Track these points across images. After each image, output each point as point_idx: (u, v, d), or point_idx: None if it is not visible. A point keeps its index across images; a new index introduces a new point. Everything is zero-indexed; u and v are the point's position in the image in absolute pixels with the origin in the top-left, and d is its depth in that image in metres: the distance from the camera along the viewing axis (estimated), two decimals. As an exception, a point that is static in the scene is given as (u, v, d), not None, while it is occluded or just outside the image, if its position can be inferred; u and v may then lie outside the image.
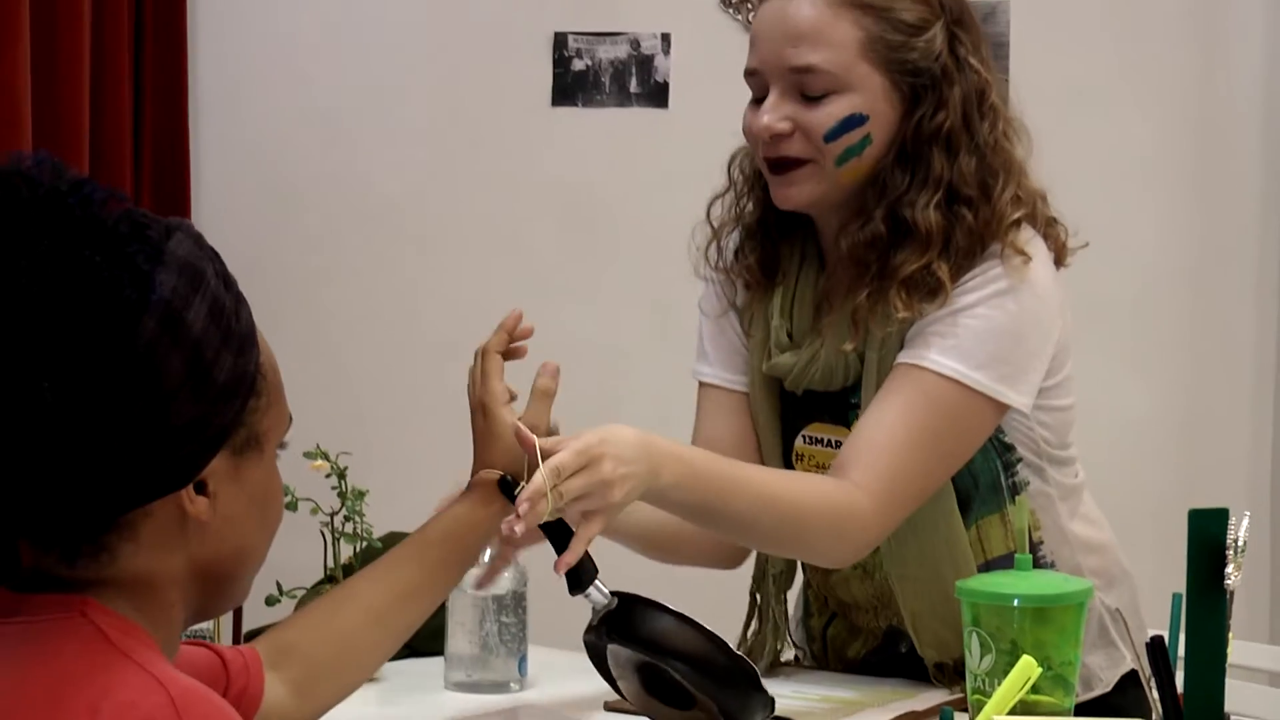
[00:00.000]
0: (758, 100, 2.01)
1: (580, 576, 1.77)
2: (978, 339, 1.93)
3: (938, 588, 1.98)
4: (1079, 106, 3.81)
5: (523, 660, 2.15)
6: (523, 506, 1.68)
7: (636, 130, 3.89)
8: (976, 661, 1.61)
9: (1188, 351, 3.89)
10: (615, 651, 1.80)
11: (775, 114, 1.97)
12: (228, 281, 1.32)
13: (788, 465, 2.09)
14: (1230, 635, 1.57)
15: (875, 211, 1.97)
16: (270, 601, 2.40)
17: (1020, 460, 2.04)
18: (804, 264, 2.09)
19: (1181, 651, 1.60)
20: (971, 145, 1.98)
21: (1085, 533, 2.12)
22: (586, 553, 1.75)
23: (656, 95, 3.88)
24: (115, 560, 1.27)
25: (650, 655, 1.77)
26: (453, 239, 3.94)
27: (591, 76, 3.89)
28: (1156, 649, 1.56)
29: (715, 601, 2.21)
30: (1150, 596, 2.15)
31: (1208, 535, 1.56)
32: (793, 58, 1.95)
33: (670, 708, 1.79)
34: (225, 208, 3.96)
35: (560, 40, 3.88)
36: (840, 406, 2.04)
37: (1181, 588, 1.59)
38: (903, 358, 1.95)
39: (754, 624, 2.18)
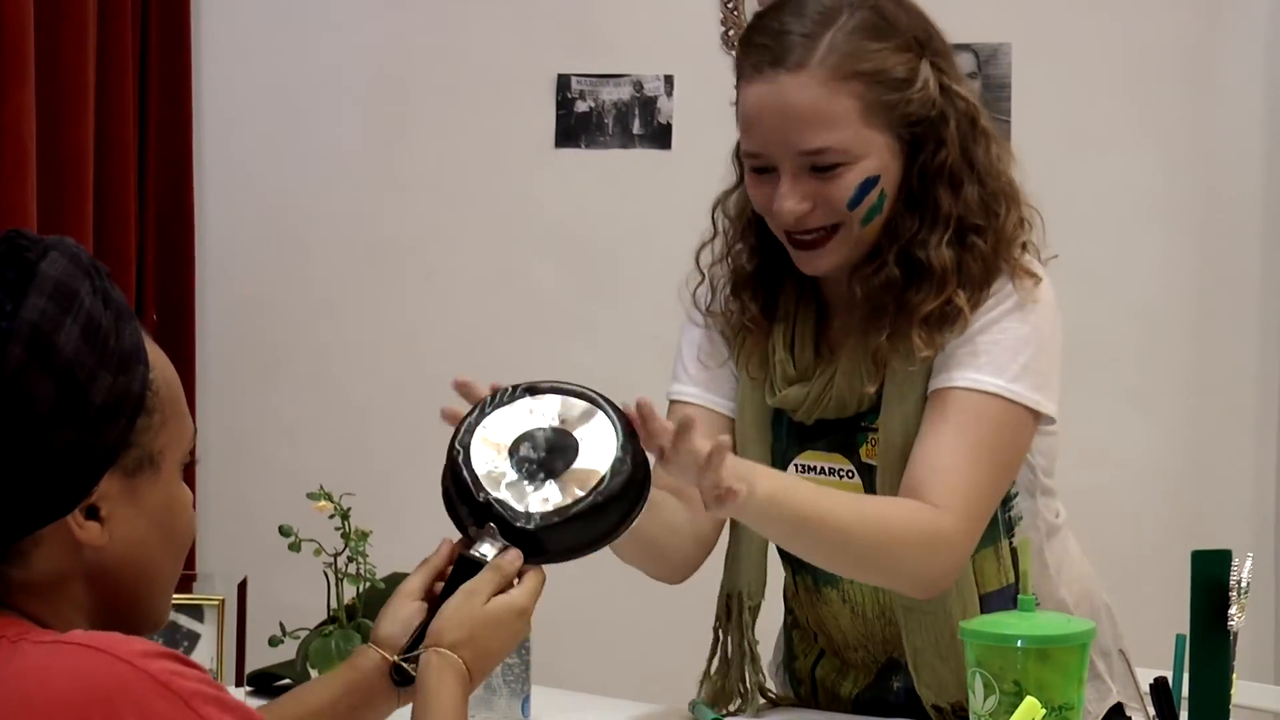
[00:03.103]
0: (759, 171, 1.99)
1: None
2: (1006, 353, 1.96)
3: (944, 622, 1.98)
4: (1080, 147, 3.82)
5: (526, 700, 2.14)
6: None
7: (639, 171, 3.90)
8: (980, 702, 1.61)
9: (1190, 390, 3.89)
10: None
11: (795, 197, 1.95)
12: (108, 298, 1.28)
13: None
14: (1234, 676, 1.57)
15: (888, 255, 1.98)
16: (274, 642, 2.40)
17: (1016, 495, 2.04)
18: (800, 302, 2.09)
19: (1185, 692, 1.60)
20: (973, 175, 1.99)
21: (1063, 564, 2.12)
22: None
23: (659, 137, 3.90)
24: (8, 588, 1.26)
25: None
26: (457, 279, 3.95)
27: (594, 118, 3.90)
28: (1160, 690, 1.56)
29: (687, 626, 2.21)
30: (1153, 637, 2.15)
31: (1211, 576, 1.56)
32: (800, 142, 1.93)
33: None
34: (229, 248, 3.96)
35: (563, 82, 3.89)
36: (850, 431, 2.04)
37: (1185, 627, 1.59)
38: (938, 383, 1.97)
39: (716, 662, 2.16)
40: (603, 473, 1.64)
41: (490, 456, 1.65)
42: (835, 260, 2.00)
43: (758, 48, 1.95)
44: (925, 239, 1.97)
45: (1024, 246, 2.00)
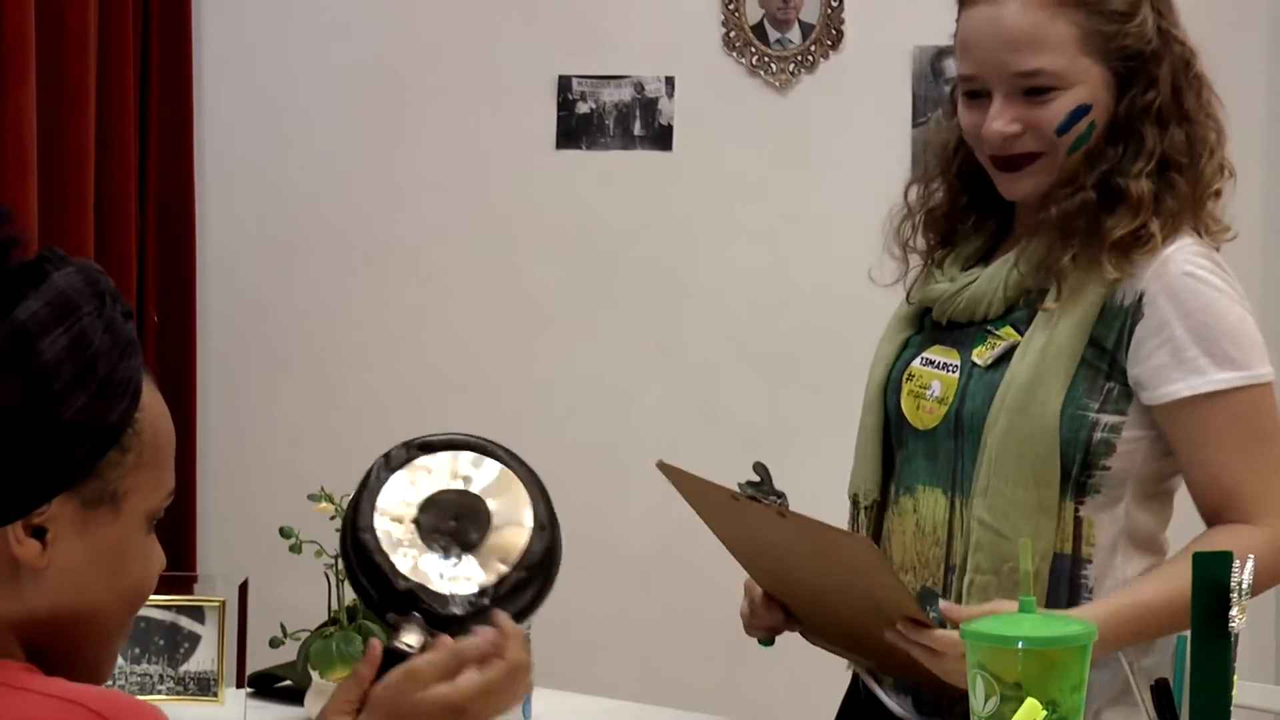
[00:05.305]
0: (972, 97, 2.06)
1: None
2: (1240, 341, 2.00)
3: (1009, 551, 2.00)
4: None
5: (527, 702, 2.14)
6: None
7: (640, 172, 3.90)
8: (981, 704, 1.60)
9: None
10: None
11: (1004, 118, 2.02)
12: (112, 326, 1.25)
13: (897, 386, 2.13)
14: (1235, 677, 1.57)
15: (1086, 180, 2.03)
16: (274, 643, 2.40)
17: (1109, 468, 2.01)
18: (977, 233, 2.16)
19: (1187, 693, 1.60)
20: (1180, 117, 2.04)
21: (1107, 574, 2.08)
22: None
23: (660, 138, 3.90)
24: None
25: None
26: (458, 280, 3.95)
27: (595, 119, 3.90)
28: (1161, 691, 1.56)
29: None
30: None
31: (1211, 578, 1.56)
32: (1016, 63, 2.00)
33: None
34: (230, 249, 3.97)
35: (564, 83, 3.90)
36: (974, 332, 2.09)
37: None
38: (1182, 389, 1.98)
39: None
40: (523, 543, 1.51)
41: (396, 532, 1.51)
42: (1036, 184, 2.05)
43: None
44: (1126, 169, 2.02)
45: (1218, 194, 2.06)
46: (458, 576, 1.49)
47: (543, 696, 2.17)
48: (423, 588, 1.48)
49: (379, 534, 1.50)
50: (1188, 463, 2.01)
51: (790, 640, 2.16)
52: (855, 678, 2.20)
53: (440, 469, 1.55)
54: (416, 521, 1.52)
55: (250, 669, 2.54)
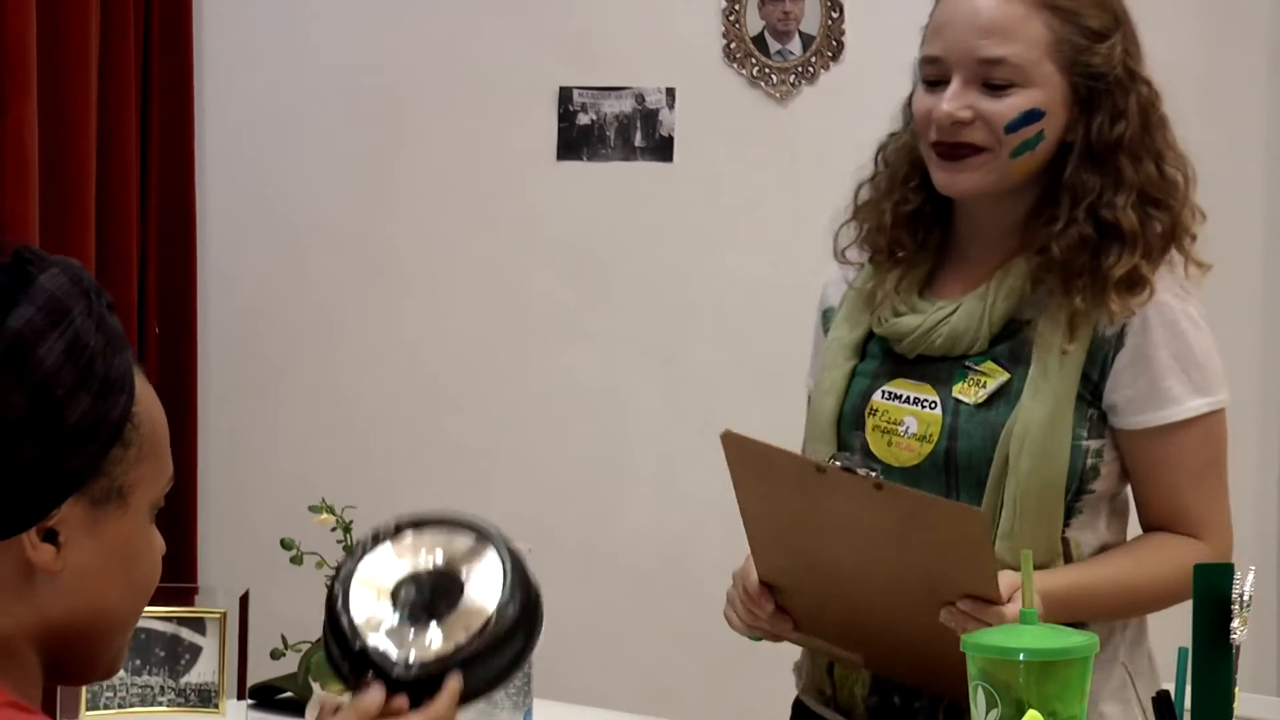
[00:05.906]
0: (931, 84, 2.07)
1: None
2: (1207, 368, 2.03)
3: None
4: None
5: (528, 714, 2.14)
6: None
7: (641, 184, 3.91)
8: (982, 715, 1.60)
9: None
10: None
11: (958, 102, 2.03)
12: (102, 323, 1.25)
13: (857, 420, 2.10)
14: (1236, 688, 1.57)
15: (1076, 213, 2.04)
16: (275, 655, 2.40)
17: (1093, 491, 2.04)
18: (922, 250, 2.15)
19: (1189, 704, 1.60)
20: (1151, 154, 2.06)
21: None
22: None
23: (661, 149, 3.90)
24: None
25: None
26: (459, 291, 3.95)
27: (596, 130, 3.90)
28: (1163, 703, 1.56)
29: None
30: (1156, 649, 2.15)
31: (1213, 590, 1.56)
32: (983, 49, 2.02)
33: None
34: (231, 259, 3.97)
35: (565, 95, 3.90)
36: (950, 367, 2.07)
37: (1187, 640, 1.59)
38: (1154, 418, 2.02)
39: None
40: (489, 614, 1.49)
41: (370, 599, 1.51)
42: (975, 182, 2.05)
43: None
44: (1111, 200, 2.03)
45: (1194, 237, 2.06)
46: (419, 643, 1.48)
47: (543, 708, 2.17)
48: (377, 650, 1.47)
49: (350, 598, 1.50)
50: (1144, 482, 2.06)
51: (790, 650, 2.16)
52: (798, 704, 2.19)
53: (428, 546, 1.55)
54: (394, 594, 1.51)
55: (251, 681, 2.54)
